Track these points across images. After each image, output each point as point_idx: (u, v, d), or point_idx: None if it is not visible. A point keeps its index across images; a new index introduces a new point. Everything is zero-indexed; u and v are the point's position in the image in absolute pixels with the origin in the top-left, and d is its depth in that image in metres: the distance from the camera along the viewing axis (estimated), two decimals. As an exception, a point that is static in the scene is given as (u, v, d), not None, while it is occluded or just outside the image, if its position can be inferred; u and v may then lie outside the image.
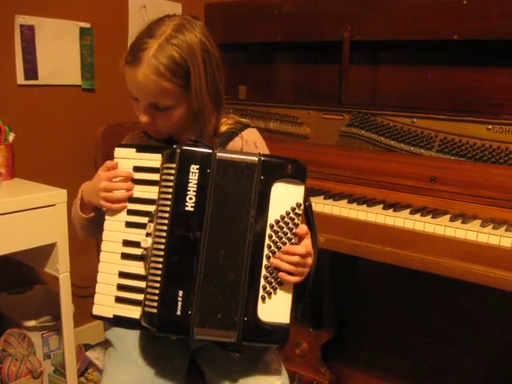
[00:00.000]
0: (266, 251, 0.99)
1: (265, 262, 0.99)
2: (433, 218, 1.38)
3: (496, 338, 1.68)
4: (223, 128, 1.16)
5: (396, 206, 1.46)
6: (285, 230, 0.99)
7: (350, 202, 1.53)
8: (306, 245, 1.02)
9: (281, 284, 1.00)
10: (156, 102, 1.04)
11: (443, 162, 1.55)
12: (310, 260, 1.03)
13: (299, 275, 1.01)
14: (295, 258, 0.98)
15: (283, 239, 0.99)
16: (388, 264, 1.40)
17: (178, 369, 1.12)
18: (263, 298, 0.99)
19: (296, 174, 1.00)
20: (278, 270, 0.99)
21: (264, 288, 0.99)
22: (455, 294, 1.72)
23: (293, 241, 1.00)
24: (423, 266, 1.33)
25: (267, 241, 0.99)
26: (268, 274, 0.99)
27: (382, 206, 1.48)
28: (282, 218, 0.99)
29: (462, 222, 1.34)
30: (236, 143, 1.16)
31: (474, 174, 1.47)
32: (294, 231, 0.99)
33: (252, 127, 1.21)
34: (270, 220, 0.99)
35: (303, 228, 1.01)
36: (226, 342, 0.99)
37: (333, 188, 1.65)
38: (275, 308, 0.99)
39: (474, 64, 1.68)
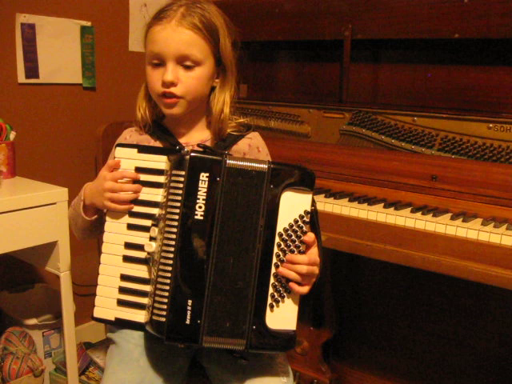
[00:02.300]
0: (274, 259, 0.99)
1: (273, 270, 0.99)
2: (434, 216, 1.38)
3: (497, 337, 1.68)
4: (227, 130, 1.16)
5: (397, 205, 1.46)
6: (293, 238, 0.99)
7: (350, 200, 1.53)
8: (313, 254, 1.01)
9: (289, 292, 1.00)
10: (187, 54, 1.05)
11: (444, 161, 1.55)
12: (316, 270, 1.02)
13: (307, 284, 1.01)
14: (303, 269, 0.98)
15: (291, 247, 0.99)
16: (389, 263, 1.39)
17: (179, 370, 1.12)
18: (271, 306, 0.99)
19: (305, 182, 0.99)
20: (287, 279, 0.99)
21: (272, 296, 0.99)
22: (456, 293, 1.72)
23: (301, 249, 0.99)
24: (424, 265, 1.33)
25: (276, 249, 0.99)
26: (276, 283, 0.99)
27: (382, 204, 1.48)
28: (291, 226, 0.99)
29: (463, 221, 1.34)
30: (240, 146, 1.16)
31: (475, 172, 1.47)
32: (301, 239, 0.99)
33: (254, 130, 1.21)
34: (279, 228, 0.99)
35: (311, 236, 1.00)
36: (233, 349, 0.99)
37: (333, 186, 1.65)
38: (283, 315, 0.99)
39: (475, 63, 1.68)
